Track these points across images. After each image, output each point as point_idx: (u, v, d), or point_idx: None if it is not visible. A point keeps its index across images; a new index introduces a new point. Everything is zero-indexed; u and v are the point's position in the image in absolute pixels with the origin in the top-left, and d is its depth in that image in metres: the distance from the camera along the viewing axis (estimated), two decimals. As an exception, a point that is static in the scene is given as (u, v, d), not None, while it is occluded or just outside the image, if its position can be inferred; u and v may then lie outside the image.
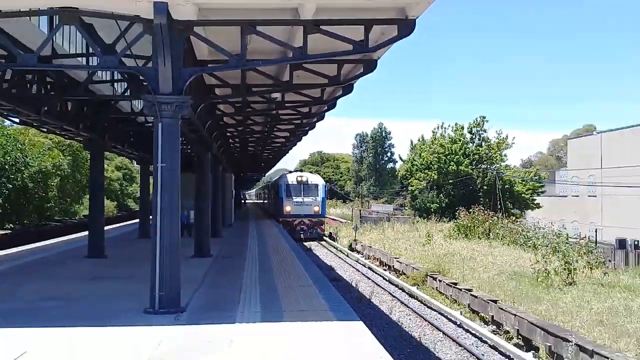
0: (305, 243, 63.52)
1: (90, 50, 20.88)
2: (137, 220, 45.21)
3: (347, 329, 13.43)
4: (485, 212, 59.77)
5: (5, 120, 38.69)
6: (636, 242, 59.09)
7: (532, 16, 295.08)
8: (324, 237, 70.90)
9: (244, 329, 13.57)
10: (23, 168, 47.43)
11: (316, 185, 70.74)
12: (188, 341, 12.56)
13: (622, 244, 58.19)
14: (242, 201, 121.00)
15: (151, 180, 23.12)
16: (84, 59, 23.07)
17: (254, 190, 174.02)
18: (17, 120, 30.90)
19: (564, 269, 29.92)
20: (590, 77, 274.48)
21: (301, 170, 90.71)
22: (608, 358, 17.54)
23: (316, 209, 68.86)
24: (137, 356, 11.43)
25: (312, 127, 38.72)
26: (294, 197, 68.98)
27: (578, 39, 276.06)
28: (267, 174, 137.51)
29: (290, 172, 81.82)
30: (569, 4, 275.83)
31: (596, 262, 33.14)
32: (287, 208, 68.34)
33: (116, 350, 11.77)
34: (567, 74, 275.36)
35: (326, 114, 32.18)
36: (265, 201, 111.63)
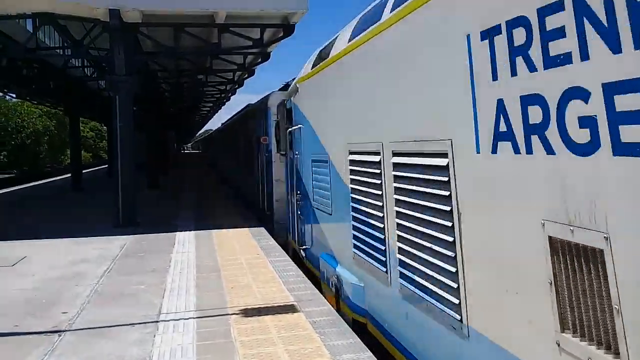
0: None
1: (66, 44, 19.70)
2: (107, 165, 43.42)
3: (254, 231, 13.46)
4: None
5: (6, 95, 36.65)
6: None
7: None
8: None
9: (183, 233, 13.38)
10: (21, 129, 45.91)
11: None
12: (144, 242, 12.34)
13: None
14: (182, 150, 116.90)
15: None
16: (61, 50, 21.59)
17: (190, 143, 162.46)
18: (14, 95, 29.28)
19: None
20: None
21: None
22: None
23: None
24: (112, 253, 11.22)
25: (228, 99, 37.82)
26: None
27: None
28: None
29: None
30: None
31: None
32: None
33: (96, 250, 11.48)
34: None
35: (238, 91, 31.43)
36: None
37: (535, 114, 3.05)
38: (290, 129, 10.47)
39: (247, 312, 7.05)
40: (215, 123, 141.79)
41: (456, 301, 4.10)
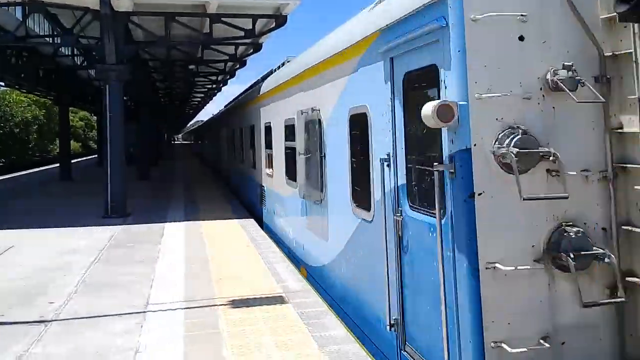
0: None
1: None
2: (96, 155, 43.33)
3: (243, 222, 13.43)
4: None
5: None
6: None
7: None
8: None
9: (172, 224, 13.34)
10: (10, 118, 45.41)
11: None
12: (133, 233, 12.29)
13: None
14: (172, 142, 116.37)
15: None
16: (51, 39, 21.39)
17: (181, 134, 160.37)
18: (2, 83, 29.08)
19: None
20: None
21: None
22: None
23: None
24: (100, 243, 11.16)
25: (219, 90, 37.68)
26: None
27: None
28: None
29: None
30: None
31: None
32: None
33: (84, 241, 11.41)
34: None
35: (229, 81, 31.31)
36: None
37: None
38: None
39: (236, 303, 7.05)
40: (206, 114, 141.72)
41: None
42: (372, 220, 5.90)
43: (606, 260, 3.95)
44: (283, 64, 12.76)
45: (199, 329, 6.16)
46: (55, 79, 26.01)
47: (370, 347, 5.85)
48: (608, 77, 4.13)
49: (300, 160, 8.93)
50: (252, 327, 6.17)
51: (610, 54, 4.17)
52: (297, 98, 9.41)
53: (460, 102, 4.12)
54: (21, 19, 17.32)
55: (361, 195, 6.28)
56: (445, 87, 4.30)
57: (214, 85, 35.03)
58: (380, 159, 5.45)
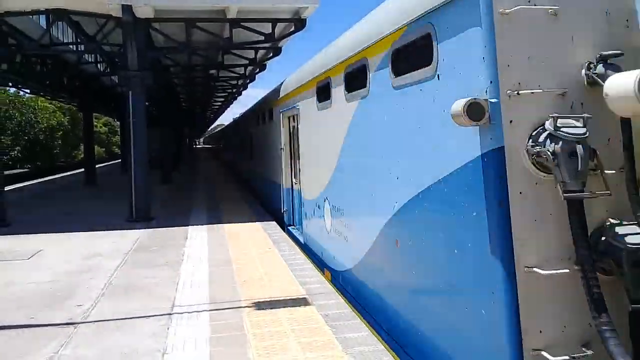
0: None
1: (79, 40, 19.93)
2: (120, 160, 43.94)
3: (265, 225, 13.52)
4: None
5: (20, 91, 37.15)
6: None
7: None
8: None
9: (195, 227, 13.47)
10: (35, 125, 46.40)
11: None
12: (158, 236, 12.44)
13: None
14: (194, 146, 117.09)
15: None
16: (74, 46, 21.80)
17: (202, 138, 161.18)
18: (28, 90, 29.74)
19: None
20: None
21: None
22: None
23: None
24: (126, 246, 11.35)
25: (240, 94, 37.92)
26: None
27: None
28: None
29: None
30: None
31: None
32: None
33: (111, 244, 11.62)
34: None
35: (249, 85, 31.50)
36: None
37: None
38: None
39: (260, 305, 7.10)
40: (226, 118, 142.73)
41: None
42: None
43: None
44: None
45: (224, 330, 6.23)
46: (79, 86, 26.49)
47: None
48: None
49: None
50: (277, 328, 6.21)
51: None
52: None
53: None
54: (45, 27, 17.70)
55: None
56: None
57: (234, 90, 35.23)
58: None
